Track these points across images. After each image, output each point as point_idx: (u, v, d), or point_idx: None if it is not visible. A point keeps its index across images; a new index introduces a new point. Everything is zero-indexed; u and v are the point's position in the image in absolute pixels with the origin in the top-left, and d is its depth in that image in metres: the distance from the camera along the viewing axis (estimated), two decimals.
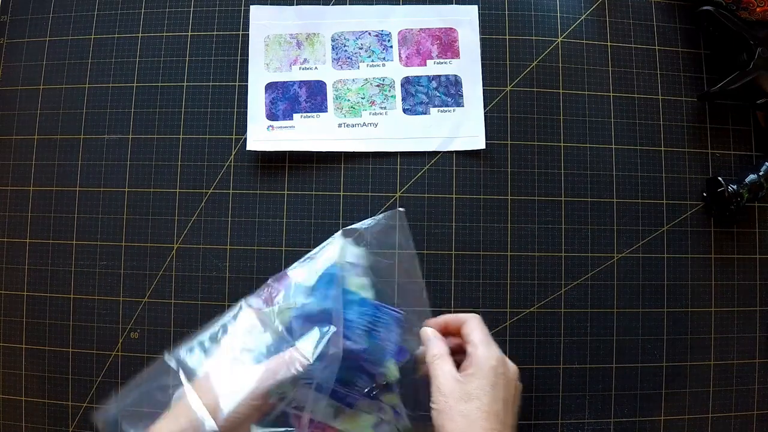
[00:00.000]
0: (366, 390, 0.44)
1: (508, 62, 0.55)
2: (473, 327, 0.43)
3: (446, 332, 0.45)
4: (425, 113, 0.54)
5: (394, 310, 0.46)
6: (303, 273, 0.47)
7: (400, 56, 0.55)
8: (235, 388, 0.40)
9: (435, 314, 0.48)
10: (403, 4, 0.56)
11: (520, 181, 0.54)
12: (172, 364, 0.44)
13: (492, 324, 0.52)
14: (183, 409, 0.40)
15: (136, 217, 0.54)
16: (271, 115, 0.54)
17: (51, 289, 0.53)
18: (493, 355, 0.41)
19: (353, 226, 0.51)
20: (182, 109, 0.55)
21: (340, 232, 0.50)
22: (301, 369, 0.41)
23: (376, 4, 0.56)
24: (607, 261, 0.53)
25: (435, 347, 0.43)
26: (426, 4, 0.56)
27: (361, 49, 0.55)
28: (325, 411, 0.43)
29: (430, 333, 0.45)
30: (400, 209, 0.51)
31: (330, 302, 0.44)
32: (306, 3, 0.56)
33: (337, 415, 0.44)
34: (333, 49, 0.55)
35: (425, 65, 0.55)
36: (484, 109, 0.54)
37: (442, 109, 0.54)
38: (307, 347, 0.42)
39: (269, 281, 0.47)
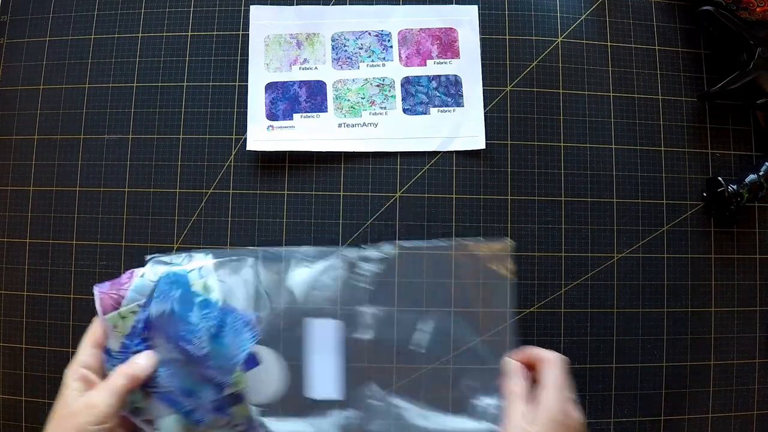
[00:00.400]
0: (212, 401, 0.42)
1: (508, 62, 0.55)
2: (549, 370, 0.42)
3: (529, 365, 0.45)
4: (425, 113, 0.54)
5: (244, 314, 0.43)
6: (148, 270, 0.44)
7: (400, 56, 0.55)
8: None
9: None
10: (403, 4, 0.56)
11: (520, 181, 0.54)
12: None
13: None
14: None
15: (136, 217, 0.54)
16: (271, 115, 0.54)
17: (51, 289, 0.53)
18: (558, 406, 0.40)
19: (456, 240, 0.51)
20: (182, 109, 0.55)
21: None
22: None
23: (376, 4, 0.56)
24: (607, 261, 0.53)
25: (515, 384, 0.43)
26: (426, 4, 0.56)
27: (361, 49, 0.55)
28: (172, 428, 0.41)
29: (513, 367, 0.44)
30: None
31: (172, 304, 0.42)
32: (306, 3, 0.56)
33: None
34: (333, 49, 0.55)
35: (425, 65, 0.55)
36: (484, 109, 0.54)
37: (442, 109, 0.54)
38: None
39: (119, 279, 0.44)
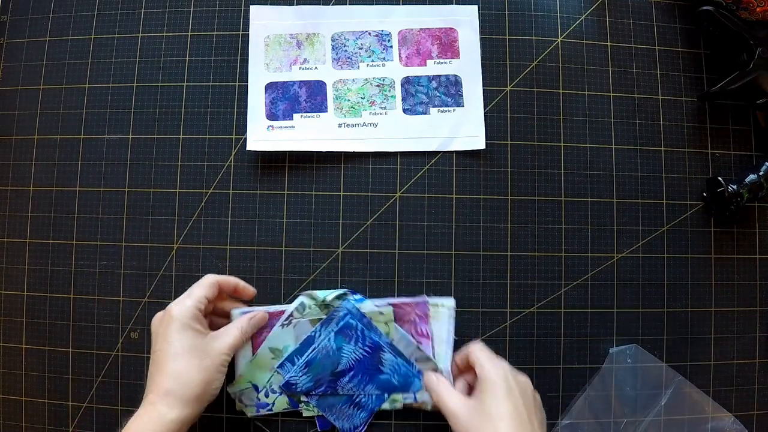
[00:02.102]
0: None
1: (508, 62, 0.55)
2: (476, 350, 0.45)
3: (464, 369, 0.47)
4: (425, 113, 0.54)
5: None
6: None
7: (400, 56, 0.55)
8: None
9: None
10: (403, 4, 0.56)
11: (520, 181, 0.54)
12: None
13: (492, 324, 0.52)
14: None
15: (136, 217, 0.54)
16: (271, 115, 0.54)
17: (51, 289, 0.53)
18: (500, 365, 0.43)
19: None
20: (182, 109, 0.55)
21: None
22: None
23: (376, 4, 0.56)
24: (607, 261, 0.53)
25: (430, 377, 0.46)
26: (426, 4, 0.56)
27: (361, 49, 0.55)
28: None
29: (425, 371, 0.48)
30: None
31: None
32: (306, 3, 0.56)
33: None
34: (333, 49, 0.55)
35: (425, 65, 0.55)
36: (484, 109, 0.54)
37: (442, 109, 0.54)
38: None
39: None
